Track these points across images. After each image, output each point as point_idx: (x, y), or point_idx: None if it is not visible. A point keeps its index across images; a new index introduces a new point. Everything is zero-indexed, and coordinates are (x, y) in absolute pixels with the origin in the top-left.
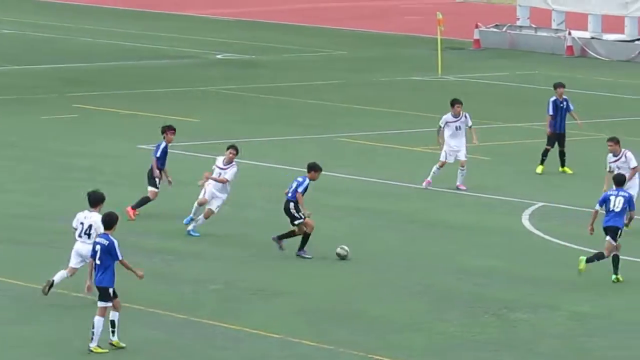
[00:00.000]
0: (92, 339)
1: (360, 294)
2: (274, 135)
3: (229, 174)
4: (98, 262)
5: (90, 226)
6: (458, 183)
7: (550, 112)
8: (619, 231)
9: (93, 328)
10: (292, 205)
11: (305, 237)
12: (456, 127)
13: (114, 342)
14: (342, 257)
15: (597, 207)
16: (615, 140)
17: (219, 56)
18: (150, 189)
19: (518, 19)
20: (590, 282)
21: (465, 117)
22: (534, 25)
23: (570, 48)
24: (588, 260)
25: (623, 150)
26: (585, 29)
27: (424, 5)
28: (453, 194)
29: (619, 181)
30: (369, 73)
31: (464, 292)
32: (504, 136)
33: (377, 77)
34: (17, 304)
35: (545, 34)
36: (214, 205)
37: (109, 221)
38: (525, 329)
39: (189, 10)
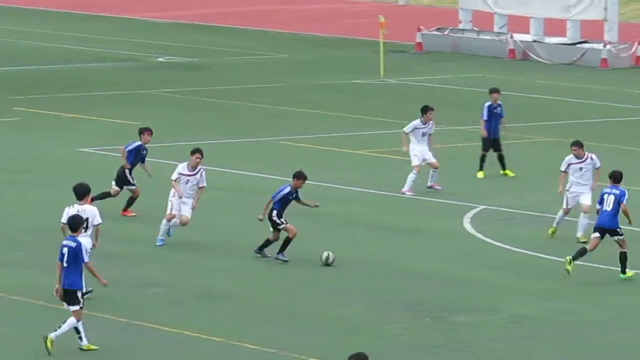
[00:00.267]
0: (80, 338)
1: (302, 297)
2: (216, 139)
3: (204, 180)
4: (66, 264)
5: (87, 219)
6: (432, 183)
7: (484, 117)
8: (609, 232)
9: (79, 333)
10: (274, 212)
11: (286, 242)
12: (422, 134)
13: (48, 340)
14: (326, 263)
15: (597, 206)
16: (579, 144)
17: (160, 59)
18: (114, 187)
19: (460, 22)
20: (530, 284)
21: (431, 123)
22: (476, 29)
23: (512, 51)
24: (574, 258)
25: (587, 153)
26: (528, 32)
27: (366, 9)
28: (395, 197)
29: (616, 178)
30: (311, 76)
31: (406, 295)
32: (446, 139)
33: (319, 80)
34: None
35: (487, 37)
36: (187, 212)
37: (75, 223)
38: (466, 331)
39: (130, 13)
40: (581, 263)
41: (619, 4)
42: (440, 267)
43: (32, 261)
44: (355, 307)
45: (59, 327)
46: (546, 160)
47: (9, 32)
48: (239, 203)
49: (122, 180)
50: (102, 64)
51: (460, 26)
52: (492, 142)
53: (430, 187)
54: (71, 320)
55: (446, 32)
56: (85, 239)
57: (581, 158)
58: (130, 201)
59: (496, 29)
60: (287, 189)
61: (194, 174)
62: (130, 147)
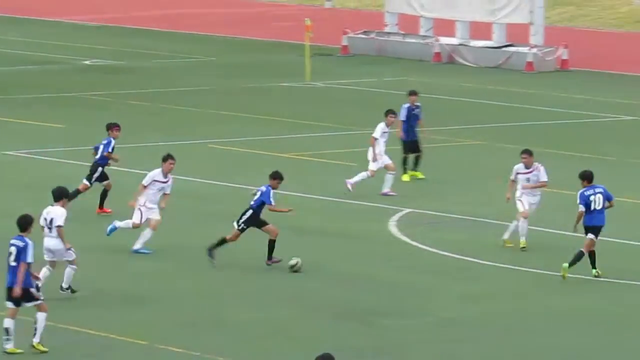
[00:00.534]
0: (7, 340)
1: (228, 300)
2: (144, 142)
3: (170, 187)
4: (14, 263)
5: (52, 220)
6: (387, 190)
7: (402, 118)
8: (602, 228)
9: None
10: (254, 214)
11: (271, 245)
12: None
13: (34, 344)
14: (294, 269)
15: (582, 208)
16: (529, 153)
17: (86, 62)
18: (84, 182)
19: (386, 25)
20: (457, 288)
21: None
22: (402, 32)
23: (438, 54)
24: (570, 265)
25: (536, 164)
26: (454, 36)
27: (293, 12)
28: (319, 200)
29: (590, 178)
30: (238, 79)
31: (332, 299)
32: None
33: (246, 84)
34: None
35: (413, 40)
36: (157, 216)
37: (24, 223)
38: (393, 335)
39: (56, 16)
40: (510, 267)
41: (545, 8)
42: (367, 270)
43: None
44: (281, 311)
45: (35, 330)
46: (472, 164)
47: None
48: (166, 205)
49: (101, 177)
50: (27, 67)
51: (386, 29)
52: (411, 145)
53: (384, 194)
54: (41, 316)
55: (372, 36)
56: (54, 241)
57: (529, 167)
58: (104, 196)
59: (422, 32)
60: (271, 190)
61: (167, 181)
62: (111, 145)
